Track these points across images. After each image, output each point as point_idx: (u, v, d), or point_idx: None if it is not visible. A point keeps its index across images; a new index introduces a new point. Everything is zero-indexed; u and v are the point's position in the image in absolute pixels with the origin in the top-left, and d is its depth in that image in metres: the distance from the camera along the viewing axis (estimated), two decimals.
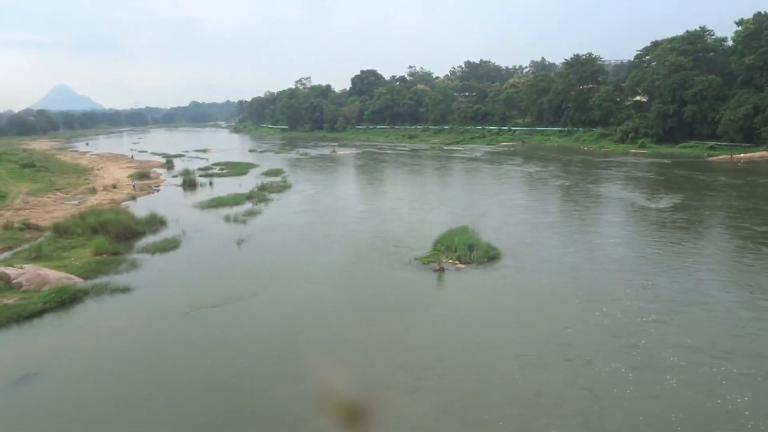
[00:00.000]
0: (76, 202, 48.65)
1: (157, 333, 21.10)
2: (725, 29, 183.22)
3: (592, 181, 54.24)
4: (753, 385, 16.31)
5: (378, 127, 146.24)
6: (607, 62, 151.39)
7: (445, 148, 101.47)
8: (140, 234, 35.85)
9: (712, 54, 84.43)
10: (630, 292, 24.05)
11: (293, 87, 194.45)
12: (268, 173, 69.31)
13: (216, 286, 25.93)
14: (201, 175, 68.62)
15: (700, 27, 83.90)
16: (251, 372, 18.08)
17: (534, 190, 51.37)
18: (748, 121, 70.49)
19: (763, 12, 73.56)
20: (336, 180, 65.87)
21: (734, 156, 66.00)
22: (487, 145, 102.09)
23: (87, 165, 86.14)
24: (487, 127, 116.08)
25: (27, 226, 35.71)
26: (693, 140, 78.29)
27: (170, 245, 32.89)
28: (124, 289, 25.09)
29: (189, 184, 60.07)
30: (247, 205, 46.51)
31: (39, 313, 21.89)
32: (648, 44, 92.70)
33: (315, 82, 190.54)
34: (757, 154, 65.32)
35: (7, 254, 30.41)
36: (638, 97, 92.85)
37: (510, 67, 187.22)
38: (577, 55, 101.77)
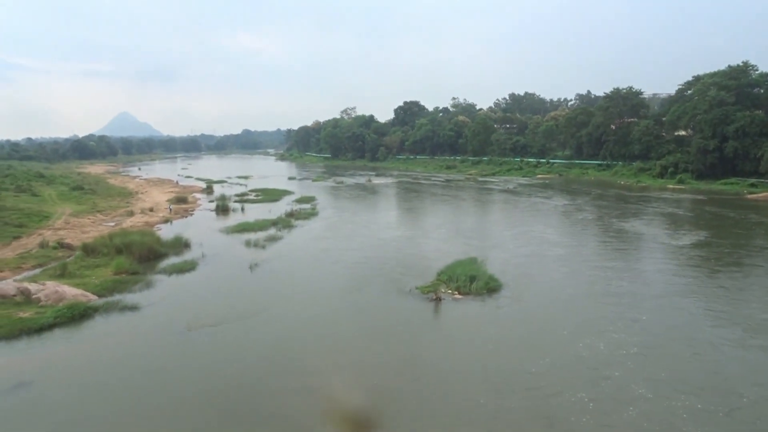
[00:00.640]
0: (112, 224, 51.80)
1: (150, 349, 22.70)
2: None
3: (617, 216, 53.86)
4: (712, 420, 16.53)
5: (418, 157, 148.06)
6: (651, 96, 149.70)
7: (480, 179, 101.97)
8: (163, 255, 38.09)
9: (757, 89, 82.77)
10: (620, 325, 24.33)
11: (338, 117, 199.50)
12: (299, 200, 71.61)
13: (218, 307, 27.53)
14: (236, 201, 71.50)
15: (743, 62, 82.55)
16: (225, 382, 19.39)
17: (555, 223, 51.43)
18: None
19: None
20: (363, 208, 67.36)
21: None
22: (524, 177, 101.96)
23: (133, 189, 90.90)
24: (525, 159, 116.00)
25: (61, 245, 38.57)
26: (734, 177, 76.40)
27: (187, 267, 34.87)
28: (133, 307, 26.98)
29: (222, 209, 62.76)
30: (271, 231, 48.43)
31: (49, 327, 23.89)
32: (690, 78, 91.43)
33: (361, 111, 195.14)
34: None
35: (37, 271, 33.02)
36: (680, 132, 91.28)
37: (555, 99, 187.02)
38: (618, 89, 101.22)
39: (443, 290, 29.35)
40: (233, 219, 57.11)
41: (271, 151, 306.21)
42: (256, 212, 60.75)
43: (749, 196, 64.91)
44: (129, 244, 35.83)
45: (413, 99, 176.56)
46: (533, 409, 17.53)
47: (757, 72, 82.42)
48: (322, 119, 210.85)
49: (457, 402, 18.08)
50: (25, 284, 27.10)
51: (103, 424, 17.07)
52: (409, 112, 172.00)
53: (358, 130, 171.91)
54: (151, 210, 61.32)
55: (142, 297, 28.95)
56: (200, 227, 52.23)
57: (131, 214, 58.66)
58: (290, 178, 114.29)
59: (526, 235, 45.81)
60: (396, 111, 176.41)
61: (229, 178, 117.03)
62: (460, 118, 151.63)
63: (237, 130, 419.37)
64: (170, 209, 62.62)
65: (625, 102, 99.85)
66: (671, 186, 77.90)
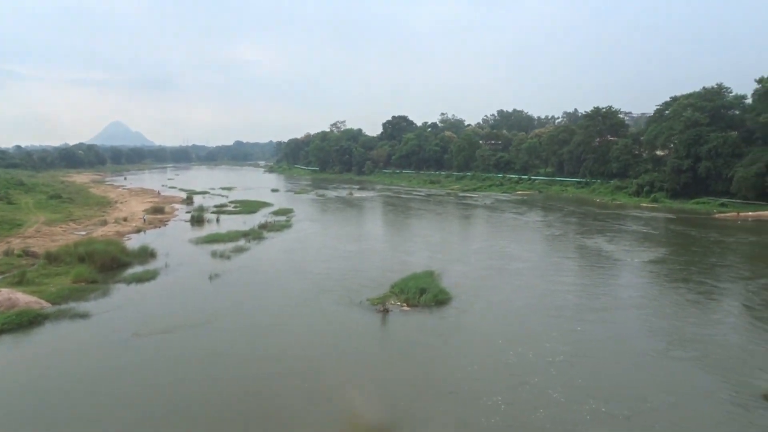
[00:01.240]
0: (84, 233, 52.62)
1: (93, 355, 23.55)
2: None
3: (583, 232, 55.22)
4: (612, 423, 17.63)
5: (404, 171, 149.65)
6: (639, 115, 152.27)
7: (460, 194, 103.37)
8: (127, 264, 38.98)
9: (731, 111, 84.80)
10: (555, 335, 25.49)
11: (327, 130, 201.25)
12: (277, 212, 72.69)
13: (169, 316, 28.43)
14: (214, 212, 72.46)
15: (718, 84, 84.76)
16: (156, 389, 20.35)
17: (521, 238, 52.68)
18: (760, 179, 70.27)
19: None
20: (338, 221, 68.43)
21: (741, 214, 65.79)
22: (504, 193, 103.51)
23: (113, 198, 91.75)
24: (507, 176, 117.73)
25: (25, 253, 39.40)
26: (707, 196, 78.10)
27: (148, 276, 35.78)
28: (84, 315, 27.84)
29: (196, 220, 63.67)
30: (240, 242, 49.40)
31: None
32: (668, 99, 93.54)
33: (351, 125, 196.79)
34: (767, 213, 64.93)
35: None
36: (657, 152, 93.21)
37: (542, 117, 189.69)
38: (598, 108, 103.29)
39: (392, 302, 30.39)
40: (207, 230, 58.08)
41: (262, 163, 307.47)
42: (231, 223, 61.71)
43: (717, 216, 66.48)
44: (92, 253, 36.71)
45: (403, 114, 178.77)
46: (447, 412, 18.57)
47: (731, 94, 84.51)
48: (313, 132, 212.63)
49: (375, 406, 19.13)
50: None
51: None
52: (397, 126, 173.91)
53: (345, 143, 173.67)
54: (125, 219, 62.18)
55: (97, 305, 29.79)
56: (171, 237, 53.18)
57: (104, 223, 59.51)
58: (273, 191, 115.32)
59: (491, 249, 47.03)
60: (384, 125, 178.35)
61: (213, 189, 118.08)
62: (447, 133, 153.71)
63: (229, 141, 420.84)
64: (144, 219, 63.49)
65: (605, 121, 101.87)
66: (645, 204, 79.49)
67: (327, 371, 21.91)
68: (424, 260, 41.80)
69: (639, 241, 50.35)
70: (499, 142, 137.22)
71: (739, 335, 25.69)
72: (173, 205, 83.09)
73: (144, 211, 70.71)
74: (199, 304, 30.77)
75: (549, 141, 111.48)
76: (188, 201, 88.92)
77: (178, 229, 60.06)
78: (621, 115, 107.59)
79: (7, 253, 39.10)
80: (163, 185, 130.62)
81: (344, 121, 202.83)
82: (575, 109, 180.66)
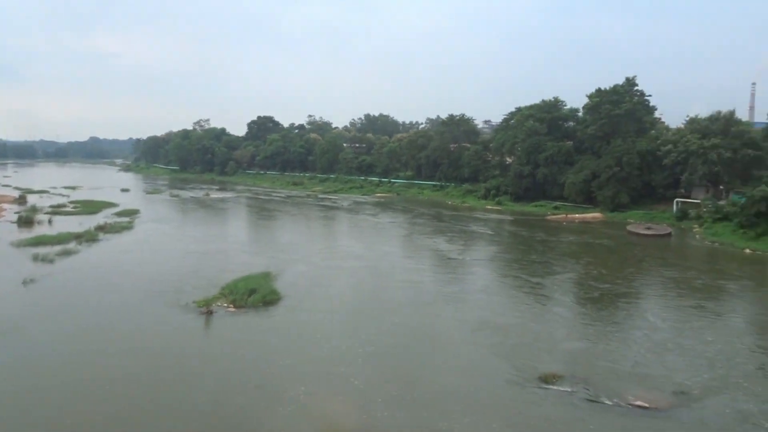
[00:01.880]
0: None
1: None
2: None
3: (427, 233, 58.42)
4: (402, 406, 19.13)
5: (268, 173, 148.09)
6: (493, 123, 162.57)
7: (320, 196, 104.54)
8: None
9: (567, 123, 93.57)
10: (373, 328, 27.20)
11: (190, 128, 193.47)
12: (120, 213, 69.07)
13: None
14: (47, 213, 67.22)
15: (554, 97, 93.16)
16: None
17: (366, 239, 54.64)
18: (587, 185, 78.34)
19: (602, 88, 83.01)
20: (186, 222, 66.55)
21: (569, 216, 73.04)
22: (363, 195, 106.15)
23: None
24: (369, 179, 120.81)
25: None
26: (544, 200, 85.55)
27: None
28: None
29: (25, 221, 58.86)
30: (71, 245, 46.42)
31: None
32: (513, 109, 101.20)
33: (217, 124, 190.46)
34: (590, 215, 72.63)
35: None
36: (506, 158, 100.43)
37: (407, 122, 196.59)
38: (452, 115, 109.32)
39: (219, 304, 30.36)
40: (36, 231, 53.91)
41: (119, 161, 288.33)
42: (66, 225, 57.70)
43: (549, 218, 73.17)
44: None
45: (270, 115, 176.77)
46: (248, 407, 19.11)
47: (566, 107, 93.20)
48: (176, 129, 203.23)
49: (178, 399, 19.25)
50: None
51: None
52: (263, 127, 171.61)
53: (208, 142, 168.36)
54: None
55: None
56: None
57: None
58: (124, 191, 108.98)
59: (335, 249, 48.34)
60: (249, 125, 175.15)
61: (54, 188, 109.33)
62: (312, 135, 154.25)
63: (84, 137, 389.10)
64: None
65: (459, 128, 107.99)
66: (490, 207, 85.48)
67: (139, 374, 21.59)
68: (267, 261, 42.06)
69: (475, 240, 54.27)
70: (363, 145, 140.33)
71: (537, 323, 28.83)
72: (2, 205, 75.78)
73: None
74: (5, 311, 28.71)
75: (408, 145, 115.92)
76: (21, 200, 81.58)
77: (2, 230, 55.05)
78: (477, 123, 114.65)
79: None
80: None
81: (208, 120, 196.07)
82: (437, 116, 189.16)
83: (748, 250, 49.19)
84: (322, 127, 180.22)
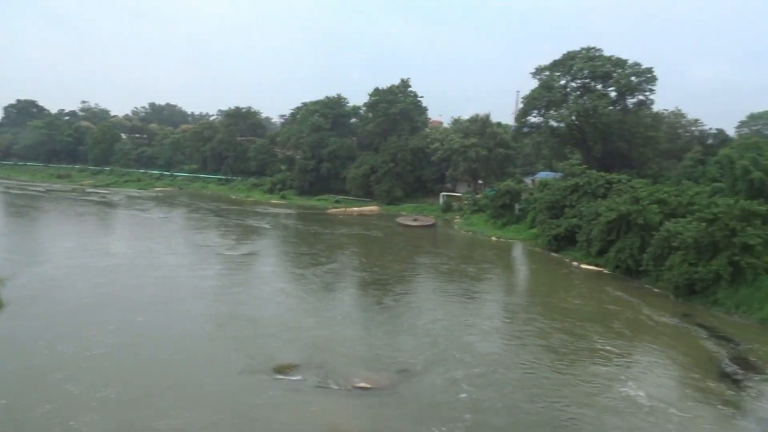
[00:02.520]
0: None
1: None
2: None
3: (201, 228, 56.47)
4: (110, 406, 17.81)
5: (29, 164, 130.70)
6: (285, 118, 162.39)
7: (89, 190, 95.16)
8: None
9: (352, 120, 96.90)
10: (111, 328, 25.63)
11: None
12: None
13: None
14: None
15: (337, 95, 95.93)
16: None
17: (129, 235, 51.06)
18: (366, 180, 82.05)
19: (380, 87, 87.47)
20: None
21: (348, 209, 75.96)
22: (141, 189, 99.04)
23: None
24: (149, 171, 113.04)
25: None
26: (328, 194, 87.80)
27: None
28: None
29: None
30: None
31: None
32: (300, 104, 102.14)
33: None
34: (368, 209, 76.27)
35: None
36: (293, 152, 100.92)
37: (197, 113, 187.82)
38: (238, 108, 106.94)
39: None
40: None
41: None
42: None
43: (330, 211, 75.28)
44: None
45: (33, 98, 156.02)
46: None
47: (348, 105, 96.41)
48: None
49: None
50: None
51: None
52: (25, 112, 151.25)
53: None
54: None
55: None
56: None
57: None
58: None
59: (87, 247, 44.17)
60: (6, 109, 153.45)
61: None
62: (84, 123, 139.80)
63: None
64: None
65: (245, 120, 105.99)
66: (275, 201, 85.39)
67: None
68: None
69: (249, 235, 53.60)
70: (145, 135, 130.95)
71: (288, 314, 29.22)
72: None
73: None
74: None
75: (193, 137, 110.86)
76: None
77: None
78: (272, 117, 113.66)
79: None
80: None
81: None
82: (229, 107, 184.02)
83: (494, 238, 55.62)
84: (97, 115, 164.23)
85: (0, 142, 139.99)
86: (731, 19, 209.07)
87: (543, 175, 72.56)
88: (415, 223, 63.32)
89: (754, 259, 31.51)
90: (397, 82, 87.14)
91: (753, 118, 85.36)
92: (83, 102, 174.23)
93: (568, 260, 44.61)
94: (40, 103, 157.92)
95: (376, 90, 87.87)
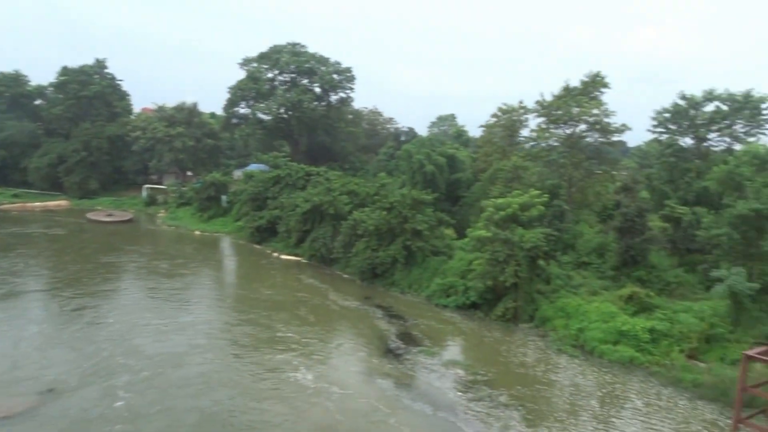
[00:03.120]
0: None
1: None
2: None
3: None
4: None
5: None
6: None
7: None
8: None
9: (36, 101, 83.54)
10: None
11: None
12: None
13: None
14: None
15: (15, 70, 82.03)
16: None
17: None
18: (53, 170, 71.70)
19: (69, 66, 77.16)
20: None
21: (28, 204, 65.59)
22: None
23: None
24: None
25: None
26: (5, 186, 74.47)
27: None
28: None
29: None
30: None
31: None
32: None
33: None
34: (54, 203, 66.92)
35: None
36: None
37: None
38: None
39: None
40: None
41: None
42: None
43: (3, 207, 64.00)
44: None
45: None
46: None
47: (31, 84, 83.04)
48: None
49: None
50: None
51: None
52: None
53: None
54: None
55: None
56: None
57: None
58: None
59: None
60: None
61: None
62: None
63: None
64: None
65: None
66: None
67: None
68: None
69: None
70: None
71: None
72: None
73: None
74: None
75: None
76: None
77: None
78: None
79: None
80: None
81: None
82: None
83: (198, 232, 53.37)
84: None
85: None
86: (435, 29, 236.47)
87: (254, 167, 72.45)
88: (108, 219, 57.26)
89: (423, 242, 35.49)
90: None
91: (440, 119, 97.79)
92: None
93: (269, 251, 44.83)
94: None
95: (65, 69, 77.50)
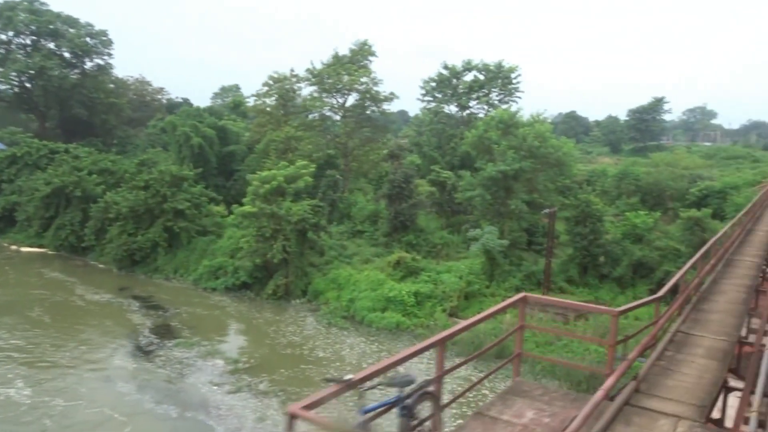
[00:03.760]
0: None
1: None
2: None
3: None
4: None
5: None
6: None
7: None
8: None
9: None
10: None
11: None
12: None
13: None
14: None
15: None
16: None
17: None
18: None
19: None
20: None
21: None
22: None
23: None
24: None
25: None
26: None
27: None
28: None
29: None
30: None
31: None
32: None
33: None
34: None
35: None
36: None
37: None
38: None
39: None
40: None
41: None
42: None
43: None
44: None
45: None
46: None
47: None
48: None
49: None
50: None
51: None
52: None
53: None
54: None
55: None
56: None
57: None
58: None
59: None
60: None
61: None
62: None
63: None
64: None
65: None
66: None
67: None
68: None
69: None
70: None
71: None
72: None
73: None
74: None
75: None
76: None
77: None
78: None
79: None
80: None
81: None
82: None
83: None
84: None
85: None
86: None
87: None
88: None
89: (187, 222, 32.61)
90: None
91: (224, 90, 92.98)
92: None
93: (7, 244, 38.23)
94: None
95: None
